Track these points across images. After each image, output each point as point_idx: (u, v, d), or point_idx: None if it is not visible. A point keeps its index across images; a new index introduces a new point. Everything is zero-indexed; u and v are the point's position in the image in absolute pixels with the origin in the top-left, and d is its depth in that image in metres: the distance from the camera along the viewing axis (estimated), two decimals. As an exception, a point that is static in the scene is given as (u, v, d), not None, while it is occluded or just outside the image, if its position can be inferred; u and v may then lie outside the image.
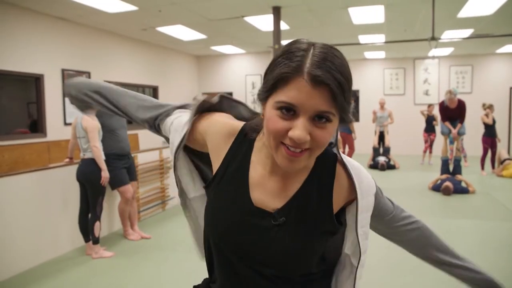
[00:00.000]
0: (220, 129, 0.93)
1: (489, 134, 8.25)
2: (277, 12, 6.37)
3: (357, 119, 9.31)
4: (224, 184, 0.90)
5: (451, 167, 6.98)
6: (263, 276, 0.86)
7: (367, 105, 11.72)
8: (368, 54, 11.30)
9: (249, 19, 7.08)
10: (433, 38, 6.24)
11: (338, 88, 0.71)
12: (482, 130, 8.40)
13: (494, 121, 8.24)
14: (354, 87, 12.00)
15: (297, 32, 8.08)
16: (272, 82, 0.74)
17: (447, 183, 6.41)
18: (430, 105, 9.78)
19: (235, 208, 0.86)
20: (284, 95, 0.72)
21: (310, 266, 0.88)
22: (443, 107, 6.99)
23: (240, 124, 0.94)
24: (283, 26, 7.25)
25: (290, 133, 0.72)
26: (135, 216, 4.60)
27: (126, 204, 4.36)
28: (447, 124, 7.05)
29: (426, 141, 9.85)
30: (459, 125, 6.94)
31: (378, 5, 6.30)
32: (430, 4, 5.91)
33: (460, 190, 6.49)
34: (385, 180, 7.97)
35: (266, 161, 0.88)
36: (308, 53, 0.73)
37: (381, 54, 11.35)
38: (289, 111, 0.73)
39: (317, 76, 0.70)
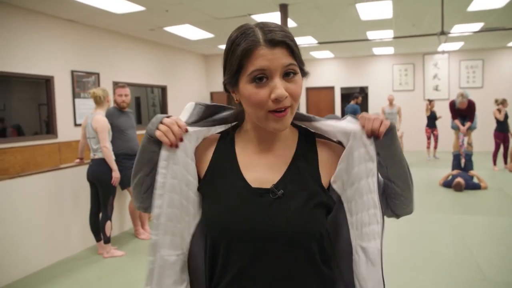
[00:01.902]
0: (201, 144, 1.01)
1: (501, 129, 8.14)
2: (284, 9, 6.34)
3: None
4: (217, 178, 0.95)
5: (462, 162, 6.90)
6: (273, 255, 0.87)
7: (376, 102, 11.65)
8: (376, 50, 11.21)
9: (256, 17, 7.07)
10: (442, 33, 6.16)
11: (292, 42, 0.84)
12: (494, 125, 8.28)
13: (506, 116, 8.13)
14: (363, 83, 12.05)
15: (304, 29, 8.04)
16: (238, 62, 0.84)
17: (459, 179, 6.34)
18: (431, 101, 9.70)
19: (235, 194, 0.91)
20: (253, 66, 0.82)
21: (315, 235, 0.89)
22: (453, 107, 7.00)
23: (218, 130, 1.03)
24: (291, 23, 7.22)
25: (273, 95, 0.81)
26: (145, 215, 4.62)
27: (136, 203, 4.38)
28: (457, 122, 7.04)
29: (428, 137, 9.79)
30: (468, 123, 6.91)
31: (386, 0, 6.25)
32: (439, -2, 5.84)
33: (472, 186, 6.41)
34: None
35: (251, 144, 0.96)
36: (256, 28, 0.84)
37: (390, 50, 11.25)
38: (261, 79, 0.82)
39: (272, 39, 0.82)
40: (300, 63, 0.87)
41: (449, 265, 3.59)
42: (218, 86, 11.04)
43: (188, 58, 10.36)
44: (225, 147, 0.98)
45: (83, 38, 6.80)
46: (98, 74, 7.03)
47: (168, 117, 0.95)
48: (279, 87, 0.81)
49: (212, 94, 10.94)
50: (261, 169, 0.93)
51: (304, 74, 0.89)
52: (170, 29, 7.65)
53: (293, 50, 0.84)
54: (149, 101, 10.08)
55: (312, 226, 0.88)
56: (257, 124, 0.90)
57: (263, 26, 0.84)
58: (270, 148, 0.95)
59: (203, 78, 11.16)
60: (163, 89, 9.21)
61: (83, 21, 6.69)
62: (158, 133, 0.90)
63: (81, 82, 6.69)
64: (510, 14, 7.16)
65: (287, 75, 0.83)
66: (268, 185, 0.90)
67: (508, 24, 7.70)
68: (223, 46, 8.77)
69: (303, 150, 0.96)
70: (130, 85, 5.02)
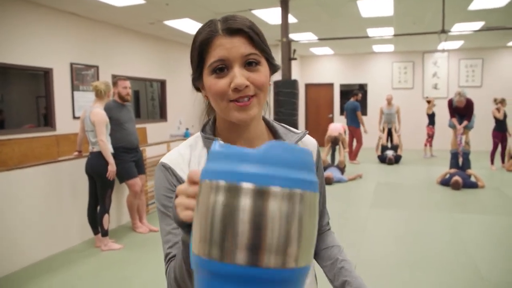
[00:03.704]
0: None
1: (500, 129, 8.16)
2: (285, 5, 6.32)
3: (364, 113, 9.25)
4: None
5: (460, 161, 6.92)
6: None
7: (375, 99, 11.66)
8: (376, 48, 11.20)
9: (257, 12, 7.04)
10: (443, 31, 6.17)
11: (251, 30, 0.81)
12: (492, 124, 8.30)
13: (505, 116, 8.15)
14: (362, 80, 12.05)
15: (305, 25, 8.03)
16: (197, 54, 0.82)
17: (457, 178, 6.36)
18: (429, 101, 9.73)
19: None
20: (212, 57, 0.79)
21: None
22: (451, 105, 7.03)
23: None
24: (291, 19, 7.21)
25: (232, 84, 0.78)
26: (143, 209, 4.63)
27: (135, 197, 4.39)
28: (454, 120, 7.06)
29: (429, 135, 9.84)
30: (465, 122, 6.93)
31: (387, -2, 6.24)
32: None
33: (470, 184, 6.43)
34: (393, 175, 7.93)
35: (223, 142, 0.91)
36: (215, 20, 0.83)
37: (390, 48, 11.24)
38: (222, 70, 0.79)
39: (230, 28, 0.79)
40: (264, 52, 0.83)
41: (446, 264, 3.60)
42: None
43: (188, 52, 10.24)
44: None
45: (83, 31, 6.76)
46: (97, 67, 7.00)
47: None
48: (238, 76, 0.78)
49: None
50: None
51: (274, 66, 0.87)
52: (170, 23, 7.62)
53: (253, 39, 0.81)
54: (148, 95, 10.05)
55: None
56: (225, 119, 0.86)
57: (225, 17, 0.82)
58: (252, 145, 0.91)
59: (202, 73, 11.12)
60: (162, 83, 9.18)
61: (84, 14, 6.66)
62: (184, 215, 0.60)
63: (80, 75, 6.67)
64: (511, 13, 7.16)
65: (249, 64, 0.80)
66: None
67: (508, 23, 7.69)
68: (223, 41, 8.74)
69: None
70: (129, 78, 4.99)
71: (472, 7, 6.77)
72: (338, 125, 8.22)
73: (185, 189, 0.60)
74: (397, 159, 9.03)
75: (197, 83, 0.88)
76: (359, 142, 9.08)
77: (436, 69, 11.60)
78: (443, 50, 11.16)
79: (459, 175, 6.47)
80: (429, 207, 5.54)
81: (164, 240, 0.84)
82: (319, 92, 12.67)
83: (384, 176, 7.79)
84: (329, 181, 6.72)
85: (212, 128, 0.94)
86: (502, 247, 4.02)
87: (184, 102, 9.91)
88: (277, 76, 6.58)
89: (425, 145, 10.02)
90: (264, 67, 0.83)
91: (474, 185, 6.43)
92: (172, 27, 7.92)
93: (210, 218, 0.47)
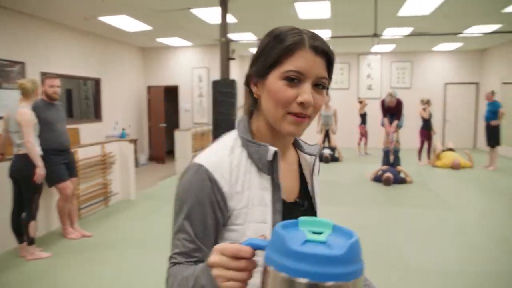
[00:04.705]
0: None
1: (426, 128, 8.74)
2: (224, 5, 6.31)
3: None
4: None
5: (391, 158, 7.31)
6: None
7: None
8: (314, 49, 11.51)
9: (196, 11, 6.97)
10: (375, 35, 6.47)
11: (332, 57, 0.85)
12: (420, 123, 8.86)
13: (430, 115, 8.73)
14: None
15: (245, 26, 8.07)
16: (277, 56, 0.82)
17: (388, 174, 6.71)
18: (361, 102, 10.31)
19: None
20: (292, 65, 0.80)
21: None
22: (384, 105, 7.45)
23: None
24: (231, 19, 7.21)
25: (300, 98, 0.80)
26: (75, 213, 4.40)
27: (65, 201, 4.16)
28: (386, 120, 7.48)
29: (361, 134, 10.38)
30: (395, 121, 7.37)
31: (324, 1, 6.42)
32: (373, 2, 6.12)
33: (399, 180, 6.82)
34: (329, 172, 8.20)
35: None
36: (301, 31, 0.84)
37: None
38: (293, 80, 0.81)
39: (318, 46, 0.82)
40: (330, 80, 0.87)
41: (379, 255, 3.78)
42: (156, 80, 10.75)
43: (124, 50, 9.97)
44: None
45: (8, 24, 6.29)
46: (23, 64, 6.55)
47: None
48: (308, 93, 0.80)
49: (149, 88, 10.64)
50: (286, 181, 0.90)
51: (327, 90, 0.89)
52: (106, 19, 7.31)
53: (330, 65, 0.85)
54: (81, 94, 9.59)
55: None
56: (271, 125, 0.87)
57: (311, 33, 0.84)
58: (284, 153, 0.95)
59: (140, 71, 10.80)
60: (97, 82, 8.80)
61: (8, 5, 6.20)
62: (225, 286, 0.63)
63: (4, 72, 6.20)
64: (436, 21, 7.68)
65: (316, 85, 0.83)
66: (291, 195, 0.92)
67: (434, 29, 8.24)
68: (162, 39, 8.57)
69: (300, 159, 1.00)
70: (60, 76, 4.72)
71: (401, 13, 7.17)
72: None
73: (225, 262, 0.63)
74: (333, 158, 9.35)
75: (257, 78, 0.87)
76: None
77: (370, 71, 12.17)
78: (376, 53, 11.74)
79: (390, 172, 6.83)
80: (363, 203, 5.80)
81: (174, 243, 0.83)
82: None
83: (321, 174, 8.00)
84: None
85: (248, 129, 0.91)
86: (429, 238, 4.29)
87: (120, 101, 9.57)
88: (216, 76, 6.55)
89: (358, 143, 10.53)
90: (324, 92, 0.86)
91: (403, 181, 6.83)
92: (107, 23, 7.61)
93: None
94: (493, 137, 8.21)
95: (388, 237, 4.32)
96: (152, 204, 5.74)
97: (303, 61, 0.80)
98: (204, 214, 0.80)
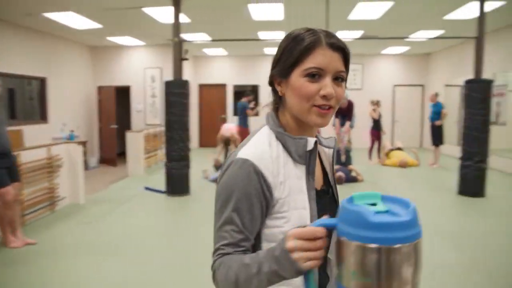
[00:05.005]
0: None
1: (376, 128, 9.05)
2: (177, 4, 6.21)
3: (256, 114, 9.56)
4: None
5: (343, 158, 7.50)
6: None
7: (267, 100, 12.03)
8: (268, 50, 11.61)
9: (148, 10, 6.82)
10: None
11: (348, 52, 0.93)
12: (370, 123, 9.17)
13: (380, 116, 9.05)
14: (255, 81, 12.40)
15: (198, 26, 7.99)
16: (297, 56, 0.90)
17: (340, 173, 6.88)
18: None
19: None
20: (312, 62, 0.89)
21: None
22: None
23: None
24: (183, 18, 7.11)
25: (322, 91, 0.89)
26: (17, 220, 4.16)
27: (7, 208, 3.92)
28: (337, 121, 7.69)
29: None
30: (348, 122, 7.58)
31: (277, 3, 6.49)
32: (325, 5, 6.25)
33: (351, 179, 7.01)
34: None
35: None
36: (317, 30, 0.92)
37: (281, 51, 11.71)
38: (314, 76, 0.89)
39: (334, 43, 0.90)
40: (347, 73, 0.94)
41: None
42: (107, 80, 10.40)
43: (73, 48, 9.56)
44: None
45: None
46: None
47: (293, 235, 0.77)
48: (330, 86, 0.89)
49: (100, 88, 10.27)
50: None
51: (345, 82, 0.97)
52: (51, 15, 6.98)
53: (347, 59, 0.93)
54: (25, 93, 9.08)
55: None
56: (299, 118, 0.95)
57: (326, 32, 0.92)
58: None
59: (89, 71, 10.40)
60: (42, 81, 8.38)
61: None
62: (309, 264, 0.74)
63: None
64: (385, 25, 7.98)
65: (336, 79, 0.91)
66: (319, 184, 1.01)
67: (383, 33, 8.57)
68: (112, 38, 8.32)
69: (319, 151, 1.07)
70: (1, 75, 4.45)
71: (352, 17, 7.39)
72: (231, 126, 8.34)
73: (304, 245, 0.72)
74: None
75: (280, 78, 0.95)
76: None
77: (322, 73, 12.43)
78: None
79: (342, 171, 7.01)
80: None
81: (221, 235, 0.88)
82: (212, 93, 12.72)
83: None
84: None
85: (278, 124, 0.98)
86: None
87: (68, 102, 9.19)
88: (169, 76, 6.44)
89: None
90: (344, 85, 0.94)
91: (354, 180, 7.03)
92: (54, 20, 7.28)
93: (374, 269, 0.64)
94: (437, 136, 8.65)
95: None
96: (103, 208, 5.54)
97: (321, 57, 0.89)
98: (251, 205, 0.87)
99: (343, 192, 5.53)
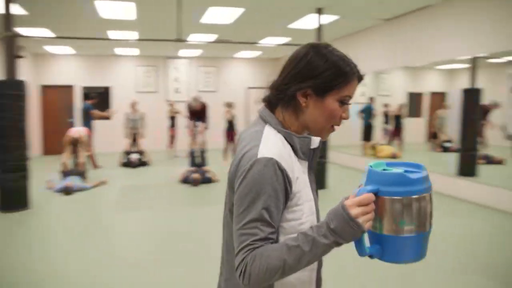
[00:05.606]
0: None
1: (230, 129, 9.43)
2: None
3: (107, 117, 9.11)
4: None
5: (198, 159, 7.62)
6: None
7: (120, 102, 11.51)
8: (119, 51, 11.13)
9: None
10: (178, 40, 6.65)
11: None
12: (225, 125, 9.50)
13: (234, 117, 9.46)
14: (107, 83, 11.77)
15: (39, 20, 7.22)
16: (339, 82, 0.99)
17: (196, 175, 7.00)
18: (171, 104, 10.59)
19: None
20: (349, 91, 1.01)
21: None
22: (190, 108, 7.79)
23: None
24: (19, 10, 6.36)
25: (344, 115, 1.03)
26: None
27: None
28: (191, 122, 7.85)
29: (172, 136, 10.58)
30: (203, 124, 7.81)
31: (129, 2, 6.27)
32: (176, 8, 6.28)
33: (207, 180, 7.19)
34: (138, 177, 8.09)
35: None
36: (352, 62, 1.03)
37: (135, 51, 11.37)
38: (345, 103, 1.02)
39: (361, 77, 1.04)
40: None
41: (192, 255, 3.90)
42: None
43: None
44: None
45: None
46: None
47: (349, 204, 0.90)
48: (349, 112, 1.04)
49: None
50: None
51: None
52: None
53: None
54: None
55: None
56: (307, 127, 1.06)
57: (355, 64, 1.03)
58: None
59: None
60: None
61: None
62: (368, 225, 0.89)
63: None
64: (238, 30, 8.37)
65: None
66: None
67: (236, 38, 8.98)
68: None
69: None
70: None
71: (204, 20, 7.57)
72: (80, 129, 7.82)
73: (366, 209, 0.87)
74: (141, 162, 9.23)
75: (315, 94, 1.01)
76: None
77: (178, 74, 12.46)
78: (184, 57, 12.08)
79: (198, 172, 7.14)
80: (172, 204, 5.91)
81: (250, 231, 0.92)
82: (56, 94, 11.62)
83: (129, 179, 7.82)
84: (68, 191, 6.32)
85: (281, 124, 1.06)
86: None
87: None
88: (0, 76, 5.69)
89: (169, 146, 10.64)
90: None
91: (210, 180, 7.22)
92: None
93: (416, 212, 0.88)
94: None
95: (199, 237, 4.50)
96: None
97: (354, 88, 1.03)
98: (278, 200, 0.94)
99: (199, 193, 5.62)
